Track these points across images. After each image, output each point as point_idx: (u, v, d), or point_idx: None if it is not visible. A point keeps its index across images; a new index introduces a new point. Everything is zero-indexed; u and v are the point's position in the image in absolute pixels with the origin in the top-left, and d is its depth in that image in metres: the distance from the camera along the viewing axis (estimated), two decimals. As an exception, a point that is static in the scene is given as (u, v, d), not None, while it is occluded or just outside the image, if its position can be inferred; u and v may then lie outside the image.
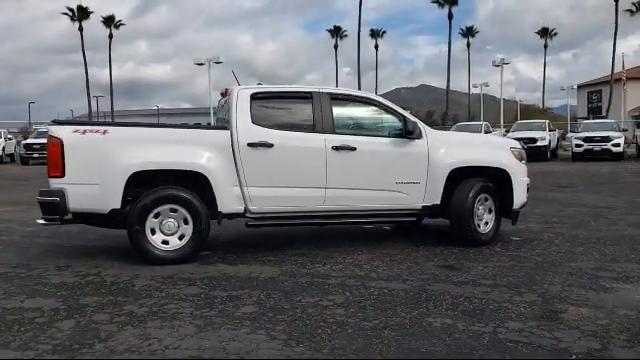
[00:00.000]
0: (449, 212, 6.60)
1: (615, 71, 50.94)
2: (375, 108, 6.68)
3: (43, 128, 34.92)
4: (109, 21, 60.65)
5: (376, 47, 64.94)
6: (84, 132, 5.74)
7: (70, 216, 5.93)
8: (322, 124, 6.28)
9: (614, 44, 50.22)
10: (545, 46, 64.76)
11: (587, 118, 54.60)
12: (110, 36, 61.17)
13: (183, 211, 5.85)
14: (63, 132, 5.70)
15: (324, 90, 6.48)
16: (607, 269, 5.51)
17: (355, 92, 6.95)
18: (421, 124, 6.60)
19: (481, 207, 6.65)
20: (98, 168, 5.69)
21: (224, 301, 4.57)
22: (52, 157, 5.67)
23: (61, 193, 5.63)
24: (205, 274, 5.44)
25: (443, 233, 7.22)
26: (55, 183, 5.69)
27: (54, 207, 5.68)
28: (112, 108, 62.09)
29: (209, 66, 36.28)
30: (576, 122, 55.79)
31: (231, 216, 6.15)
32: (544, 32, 64.80)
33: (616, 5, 49.10)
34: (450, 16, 57.12)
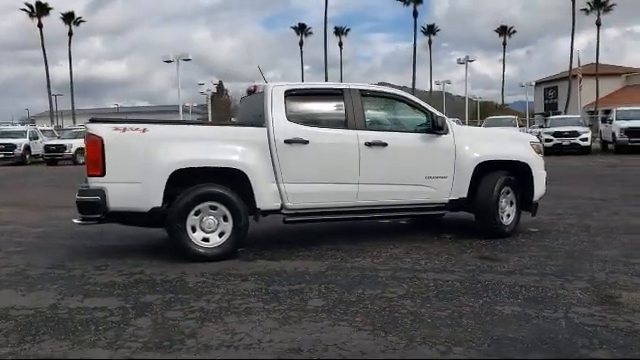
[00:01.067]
0: (475, 205, 6.77)
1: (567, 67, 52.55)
2: (403, 104, 6.82)
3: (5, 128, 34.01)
4: (69, 18, 59.14)
5: (340, 45, 65.39)
6: (124, 130, 5.68)
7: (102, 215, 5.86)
8: (354, 120, 6.37)
9: (572, 42, 52.04)
10: (504, 44, 66.36)
11: (545, 114, 56.27)
12: (70, 33, 59.65)
13: (223, 208, 5.86)
14: (103, 130, 5.63)
15: (354, 87, 6.57)
16: (636, 256, 5.77)
17: (383, 88, 7.05)
18: (447, 120, 6.76)
19: (504, 200, 6.85)
20: (138, 166, 5.65)
21: (289, 295, 4.62)
22: (92, 156, 5.59)
23: (102, 192, 5.57)
24: (251, 270, 5.47)
25: (463, 226, 7.41)
26: (95, 182, 5.62)
27: (95, 206, 5.61)
28: (73, 107, 60.55)
29: (177, 63, 35.82)
30: (533, 118, 57.39)
31: (267, 213, 6.17)
32: (503, 30, 66.34)
33: (573, 4, 50.68)
34: (415, 14, 57.98)
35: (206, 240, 5.85)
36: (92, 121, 5.77)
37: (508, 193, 6.91)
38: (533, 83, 60.08)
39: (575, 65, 47.78)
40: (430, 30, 64.03)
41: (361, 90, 6.56)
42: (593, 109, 51.63)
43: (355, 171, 6.30)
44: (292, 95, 6.26)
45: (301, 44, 64.06)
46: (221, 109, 57.95)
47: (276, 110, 6.12)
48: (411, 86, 61.78)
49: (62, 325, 4.02)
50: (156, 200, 5.66)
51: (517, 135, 8.05)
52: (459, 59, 40.67)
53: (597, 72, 54.05)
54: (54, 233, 7.77)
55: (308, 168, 6.15)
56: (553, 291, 4.63)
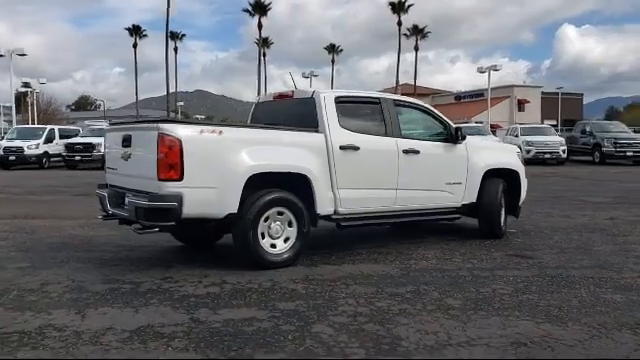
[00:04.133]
0: (481, 209, 7.42)
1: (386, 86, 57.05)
2: (426, 115, 7.25)
3: None
4: None
5: (175, 49, 63.61)
6: (201, 132, 5.34)
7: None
8: (392, 129, 6.65)
9: (398, 62, 56.51)
10: (332, 61, 69.83)
11: None
12: None
13: (289, 214, 5.78)
14: (182, 131, 5.23)
15: (388, 97, 6.87)
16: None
17: (411, 99, 7.39)
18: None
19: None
20: (215, 170, 5.36)
21: (417, 296, 4.78)
22: (169, 158, 5.16)
23: (179, 198, 5.17)
24: (335, 274, 5.49)
25: (446, 229, 8.04)
26: (171, 187, 5.19)
27: (170, 213, 5.19)
28: None
29: (11, 58, 32.21)
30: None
31: (322, 218, 6.19)
32: (332, 48, 69.91)
33: (399, 28, 55.40)
34: (260, 26, 58.63)
35: (273, 246, 5.72)
36: (167, 121, 5.32)
37: (502, 198, 7.68)
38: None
39: (392, 85, 52.03)
40: (265, 43, 65.11)
41: (394, 100, 6.87)
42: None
43: (395, 177, 6.58)
44: (341, 102, 6.36)
45: (135, 46, 61.05)
46: (28, 110, 52.20)
47: (330, 116, 6.18)
48: (230, 96, 62.07)
49: (253, 338, 3.78)
50: (233, 206, 5.41)
51: (507, 146, 8.94)
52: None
53: (415, 92, 59.52)
54: (69, 242, 7.07)
55: (358, 174, 6.29)
56: (624, 280, 5.36)
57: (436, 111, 7.35)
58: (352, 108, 6.47)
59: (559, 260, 6.25)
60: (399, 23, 55.05)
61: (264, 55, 63.65)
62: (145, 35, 61.54)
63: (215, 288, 5.00)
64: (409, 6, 54.55)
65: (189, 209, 5.23)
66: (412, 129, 7.02)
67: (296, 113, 6.45)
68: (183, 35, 65.18)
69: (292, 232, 5.81)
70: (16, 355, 3.49)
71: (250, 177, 5.48)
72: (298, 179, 5.85)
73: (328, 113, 6.18)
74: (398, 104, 6.91)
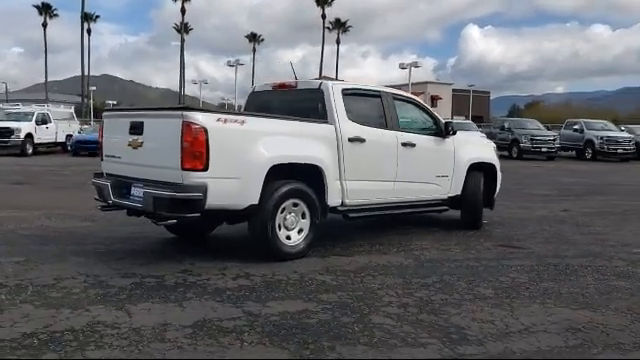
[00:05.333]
0: (465, 201, 7.69)
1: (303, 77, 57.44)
2: (419, 109, 7.40)
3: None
4: None
5: (89, 31, 60.39)
6: (225, 121, 5.19)
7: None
8: (391, 122, 6.76)
9: (322, 55, 56.80)
10: (254, 50, 69.21)
11: None
12: None
13: (303, 205, 5.76)
14: (206, 120, 5.05)
15: (387, 90, 6.97)
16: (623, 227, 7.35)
17: (406, 94, 7.49)
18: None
19: (481, 196, 7.93)
20: (238, 161, 5.24)
21: (448, 286, 4.92)
22: (194, 148, 4.98)
23: (204, 188, 5.01)
24: (355, 265, 5.57)
25: (424, 221, 8.30)
26: (196, 177, 5.01)
27: (195, 204, 5.02)
28: None
29: None
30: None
31: (331, 209, 6.19)
32: (253, 37, 69.26)
33: (323, 21, 55.77)
34: (183, 11, 56.94)
35: (288, 238, 5.68)
36: (190, 109, 5.11)
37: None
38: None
39: (310, 77, 52.36)
40: (184, 28, 63.37)
41: (392, 94, 6.98)
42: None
43: (394, 169, 6.70)
44: (347, 94, 6.38)
45: (44, 25, 57.46)
46: None
47: (339, 108, 6.19)
48: (139, 81, 60.29)
49: (321, 330, 3.77)
50: (254, 197, 5.32)
51: (484, 140, 9.25)
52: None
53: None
54: (76, 235, 6.66)
55: (363, 166, 6.35)
56: (611, 264, 5.78)
57: (427, 106, 7.53)
58: (356, 100, 6.49)
59: (549, 250, 6.61)
60: (323, 16, 55.44)
61: (182, 41, 61.99)
62: (56, 15, 58.13)
63: (244, 281, 4.90)
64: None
65: (212, 200, 5.08)
66: (407, 123, 7.15)
67: (301, 104, 6.39)
68: (97, 16, 62.12)
69: (305, 224, 5.79)
70: (85, 355, 3.29)
71: (270, 168, 5.40)
72: (311, 170, 5.82)
73: (337, 104, 6.18)
74: (396, 97, 7.02)
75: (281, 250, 5.56)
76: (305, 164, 5.76)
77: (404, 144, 6.78)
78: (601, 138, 28.01)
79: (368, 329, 3.81)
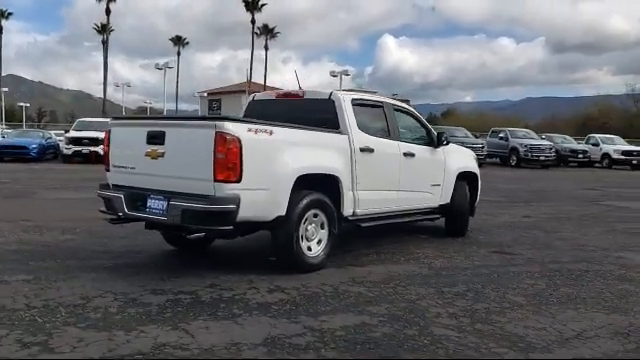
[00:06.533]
0: (453, 209, 7.90)
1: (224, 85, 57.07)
2: (414, 120, 7.54)
3: None
4: None
5: (0, 29, 56.70)
6: (256, 131, 5.08)
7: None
8: (393, 132, 6.87)
9: (251, 60, 56.35)
10: (178, 53, 67.58)
11: None
12: None
13: (322, 216, 5.74)
14: (240, 130, 4.93)
15: (388, 101, 7.08)
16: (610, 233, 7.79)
17: (404, 105, 7.59)
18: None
19: (465, 204, 8.19)
20: (267, 171, 5.15)
21: (483, 292, 5.07)
22: (229, 159, 4.83)
23: (237, 200, 4.89)
24: (380, 276, 5.57)
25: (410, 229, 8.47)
26: (229, 189, 4.88)
27: (227, 216, 4.89)
28: None
29: None
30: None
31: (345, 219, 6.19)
32: (177, 40, 67.68)
33: (252, 26, 55.41)
34: (108, 12, 54.63)
35: (309, 249, 5.64)
36: (226, 119, 4.95)
37: (466, 199, 8.26)
38: (206, 94, 63.02)
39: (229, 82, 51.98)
40: (104, 29, 60.86)
41: (392, 104, 7.09)
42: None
43: (397, 179, 6.81)
44: (355, 104, 6.41)
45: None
46: None
47: (351, 118, 6.21)
48: (49, 82, 57.56)
49: (392, 344, 3.77)
50: (282, 208, 5.24)
51: (466, 150, 9.46)
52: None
53: (265, 89, 60.09)
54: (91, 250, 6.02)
55: (372, 175, 6.39)
56: (606, 268, 6.14)
57: (421, 117, 7.69)
58: (363, 110, 6.53)
59: (542, 256, 6.91)
60: (253, 21, 55.04)
61: (104, 43, 59.55)
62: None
63: (281, 294, 4.81)
64: (262, 5, 54.84)
65: (244, 212, 4.96)
66: (405, 133, 7.27)
67: (309, 114, 6.35)
68: (10, 14, 58.45)
69: (324, 234, 5.76)
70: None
71: (297, 179, 5.35)
72: (328, 181, 5.81)
73: (348, 115, 6.20)
74: (396, 108, 7.13)
75: (305, 262, 5.51)
76: (325, 174, 5.74)
77: (405, 154, 6.89)
78: (525, 146, 29.57)
79: (437, 341, 3.85)
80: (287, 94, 6.77)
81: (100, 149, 22.75)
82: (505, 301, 4.87)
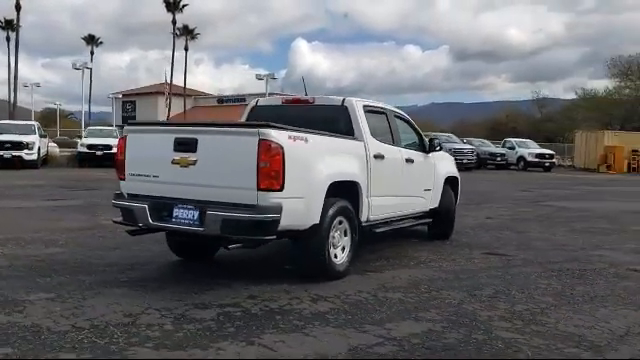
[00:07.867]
0: (441, 212, 8.10)
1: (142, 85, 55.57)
2: (409, 126, 7.66)
3: None
4: None
5: None
6: (295, 139, 4.99)
7: None
8: (397, 139, 6.98)
9: (172, 61, 54.73)
10: (92, 53, 64.65)
11: (122, 125, 57.88)
12: None
13: (345, 223, 5.73)
14: (282, 138, 4.82)
15: (389, 108, 7.17)
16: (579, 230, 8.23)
17: (401, 112, 7.66)
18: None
19: (449, 208, 8.43)
20: (304, 180, 5.08)
21: (511, 294, 5.24)
22: (272, 167, 4.72)
23: (280, 209, 4.79)
24: (405, 281, 5.64)
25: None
26: (272, 198, 4.76)
27: (271, 226, 4.77)
28: None
29: None
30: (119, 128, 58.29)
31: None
32: (91, 39, 64.82)
33: (174, 27, 53.93)
34: (18, 8, 51.03)
35: (335, 257, 5.61)
36: (269, 126, 4.81)
37: (450, 202, 8.51)
38: (120, 95, 60.72)
39: (147, 82, 50.84)
40: (9, 25, 57.15)
41: (393, 111, 7.20)
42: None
43: (401, 184, 6.91)
44: (367, 112, 6.45)
45: None
46: None
47: (364, 125, 6.25)
48: None
49: (468, 349, 3.84)
50: (317, 216, 5.19)
51: (447, 155, 9.66)
52: (74, 64, 38.59)
53: (185, 92, 58.69)
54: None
55: (383, 181, 6.45)
56: (597, 266, 6.54)
57: (414, 123, 7.84)
58: (372, 117, 6.57)
59: (531, 256, 7.22)
60: (174, 22, 53.57)
61: (15, 41, 55.86)
62: None
63: (327, 303, 4.76)
64: (184, 5, 53.55)
65: (285, 221, 4.87)
66: (404, 139, 7.39)
67: (320, 120, 6.27)
68: None
69: (347, 241, 5.75)
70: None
71: (329, 186, 5.32)
72: (349, 187, 5.81)
73: (362, 121, 6.23)
74: (395, 115, 7.24)
75: (334, 269, 5.48)
76: (350, 182, 5.74)
77: (407, 160, 7.01)
78: (449, 150, 30.73)
79: (511, 345, 3.94)
80: (296, 100, 6.70)
81: (24, 153, 21.46)
82: (538, 302, 5.06)
